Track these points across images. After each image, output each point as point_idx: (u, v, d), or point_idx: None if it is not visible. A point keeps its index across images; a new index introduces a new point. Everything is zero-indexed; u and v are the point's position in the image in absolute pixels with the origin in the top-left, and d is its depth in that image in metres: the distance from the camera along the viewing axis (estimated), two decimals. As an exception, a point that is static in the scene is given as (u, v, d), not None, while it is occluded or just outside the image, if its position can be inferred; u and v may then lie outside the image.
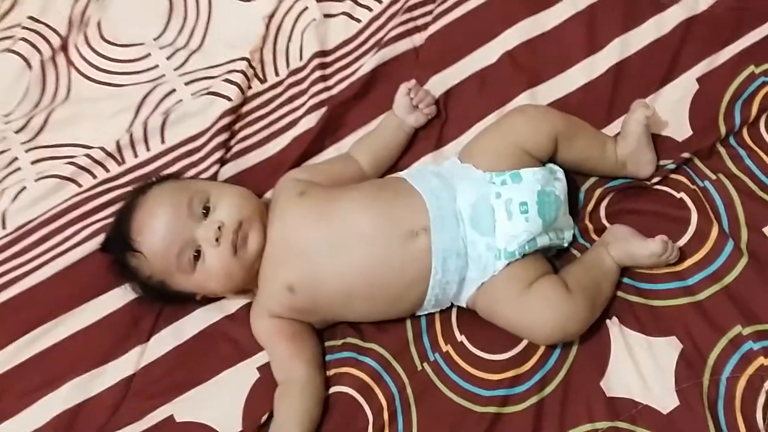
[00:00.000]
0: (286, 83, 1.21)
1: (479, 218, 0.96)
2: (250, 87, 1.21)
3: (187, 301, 1.05)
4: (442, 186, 0.98)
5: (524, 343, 0.98)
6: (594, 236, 1.03)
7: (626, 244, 0.98)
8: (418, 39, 1.20)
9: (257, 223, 1.00)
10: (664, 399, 0.92)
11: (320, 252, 0.97)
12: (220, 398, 1.01)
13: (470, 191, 0.97)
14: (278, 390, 0.99)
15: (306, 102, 1.18)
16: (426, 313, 1.01)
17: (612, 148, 1.03)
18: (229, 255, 0.98)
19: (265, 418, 0.99)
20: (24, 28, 1.29)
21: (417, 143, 1.13)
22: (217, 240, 0.97)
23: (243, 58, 1.21)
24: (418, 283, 0.96)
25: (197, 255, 0.98)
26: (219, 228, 0.97)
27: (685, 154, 1.04)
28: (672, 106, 1.08)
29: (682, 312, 0.96)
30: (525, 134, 1.00)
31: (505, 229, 0.95)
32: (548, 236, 0.98)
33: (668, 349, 0.95)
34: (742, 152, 1.04)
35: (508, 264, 0.95)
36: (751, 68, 1.08)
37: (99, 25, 1.30)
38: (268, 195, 1.11)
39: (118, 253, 1.02)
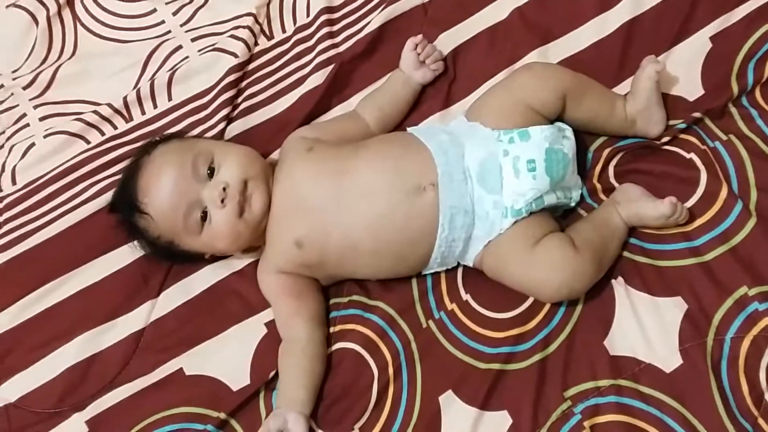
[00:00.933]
0: (293, 40, 1.20)
1: (487, 176, 0.95)
2: (256, 43, 1.20)
3: (196, 261, 1.06)
4: (451, 143, 0.98)
5: (529, 301, 0.98)
6: (602, 196, 1.03)
7: (636, 205, 0.97)
8: (428, -6, 1.18)
9: (262, 183, 1.00)
10: (668, 358, 0.93)
11: (328, 206, 0.97)
12: (229, 353, 1.03)
13: (478, 149, 0.96)
14: (281, 347, 1.00)
15: (313, 59, 1.17)
16: (432, 272, 1.01)
17: (621, 106, 1.02)
18: (235, 216, 0.98)
19: (273, 374, 1.01)
20: (29, -18, 1.28)
21: (425, 102, 1.13)
22: (222, 201, 0.97)
23: (249, 14, 1.20)
24: (424, 240, 0.96)
25: (204, 216, 0.99)
26: (224, 189, 0.97)
27: (696, 114, 1.03)
28: (684, 64, 1.07)
29: (688, 272, 0.96)
30: (532, 91, 0.99)
31: (512, 187, 0.95)
32: (556, 194, 0.97)
33: (673, 309, 0.95)
34: (753, 112, 1.02)
35: (515, 222, 0.95)
36: (766, 27, 1.06)
37: (105, -21, 1.29)
38: (275, 155, 1.11)
39: (126, 215, 1.03)
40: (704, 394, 0.90)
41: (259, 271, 1.04)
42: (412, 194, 0.95)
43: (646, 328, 0.95)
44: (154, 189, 0.99)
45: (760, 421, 0.89)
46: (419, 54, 1.10)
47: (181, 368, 1.03)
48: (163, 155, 1.01)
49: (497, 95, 1.02)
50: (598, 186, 1.04)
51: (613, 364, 0.94)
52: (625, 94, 1.04)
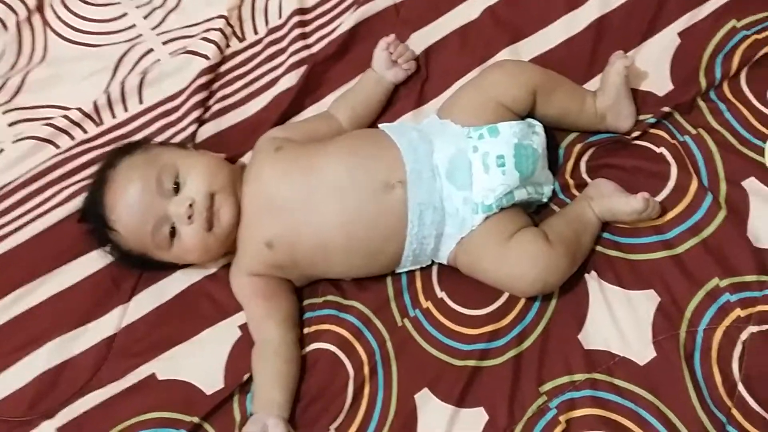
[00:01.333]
0: (265, 42, 1.20)
1: (456, 172, 0.95)
2: (228, 45, 1.20)
3: (169, 269, 1.05)
4: (421, 140, 0.98)
5: (504, 298, 0.98)
6: (575, 192, 1.03)
7: (608, 200, 0.98)
8: (399, -6, 1.19)
9: (229, 196, 0.99)
10: (641, 351, 0.93)
11: (297, 205, 0.97)
12: (202, 356, 1.02)
13: (448, 146, 0.97)
14: (254, 350, 1.00)
15: (285, 60, 1.17)
16: (406, 270, 1.01)
17: (591, 101, 1.03)
18: (203, 231, 0.97)
19: (246, 376, 1.00)
20: (-2, -12, 1.27)
21: (398, 101, 1.13)
22: (189, 217, 0.96)
23: (221, 16, 1.20)
24: (394, 237, 0.96)
25: (173, 231, 0.98)
26: (190, 205, 0.96)
27: (666, 108, 1.03)
28: (653, 60, 1.08)
29: (660, 265, 0.97)
30: (502, 88, 0.99)
31: (482, 183, 0.95)
32: (526, 190, 0.98)
33: (646, 302, 0.95)
34: (722, 106, 1.04)
35: (487, 218, 0.95)
36: (733, 22, 1.08)
37: (75, -16, 1.28)
38: (248, 156, 1.10)
39: (96, 227, 1.02)
40: (678, 386, 0.91)
41: (231, 273, 1.03)
42: (381, 191, 0.95)
43: (619, 321, 0.95)
44: (120, 206, 0.98)
45: (734, 411, 0.89)
46: (391, 53, 1.10)
47: (154, 373, 1.01)
48: (128, 170, 0.99)
49: (468, 93, 1.02)
50: (571, 182, 1.04)
51: (588, 358, 0.94)
52: (595, 91, 1.05)
